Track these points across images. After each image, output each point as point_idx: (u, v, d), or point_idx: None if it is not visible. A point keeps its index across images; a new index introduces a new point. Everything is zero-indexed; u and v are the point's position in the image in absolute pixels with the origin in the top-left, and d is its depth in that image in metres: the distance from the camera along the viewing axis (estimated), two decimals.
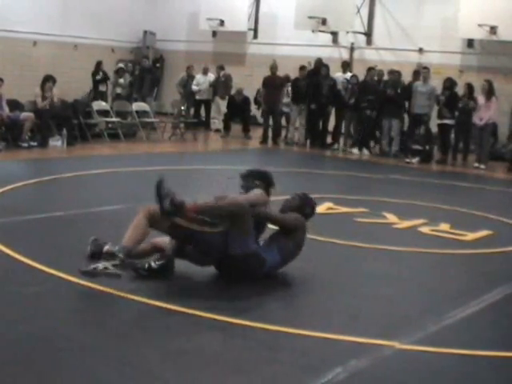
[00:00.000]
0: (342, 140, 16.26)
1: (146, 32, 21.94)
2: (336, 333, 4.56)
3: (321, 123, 16.21)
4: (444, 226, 8.11)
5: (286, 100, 16.81)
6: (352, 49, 19.33)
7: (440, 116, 14.68)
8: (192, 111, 18.65)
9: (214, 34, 21.19)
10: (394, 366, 4.23)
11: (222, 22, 20.35)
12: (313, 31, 18.46)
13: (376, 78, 15.75)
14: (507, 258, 7.11)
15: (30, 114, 13.15)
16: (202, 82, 18.47)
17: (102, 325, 4.52)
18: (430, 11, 17.95)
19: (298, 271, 5.86)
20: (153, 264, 5.43)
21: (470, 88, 14.45)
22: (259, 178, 5.91)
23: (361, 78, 15.88)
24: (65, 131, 13.43)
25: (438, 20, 17.81)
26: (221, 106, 18.46)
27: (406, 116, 15.29)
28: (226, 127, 17.65)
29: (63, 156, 12.66)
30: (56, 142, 13.32)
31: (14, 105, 13.72)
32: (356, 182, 11.91)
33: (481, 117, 14.19)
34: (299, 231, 5.73)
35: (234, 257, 5.39)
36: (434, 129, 14.95)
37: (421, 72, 15.19)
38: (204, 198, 5.61)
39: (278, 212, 5.87)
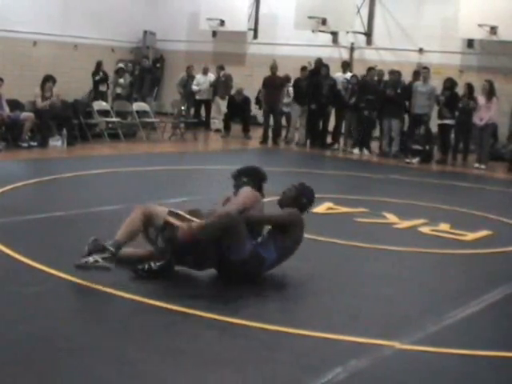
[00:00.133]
0: (342, 140, 16.26)
1: (146, 32, 21.94)
2: (336, 333, 4.56)
3: (321, 123, 16.22)
4: (444, 226, 8.11)
5: (286, 100, 16.81)
6: (352, 49, 19.33)
7: (440, 116, 14.68)
8: (192, 111, 18.65)
9: (214, 34, 21.19)
10: (394, 366, 4.23)
11: (222, 22, 20.35)
12: (313, 31, 18.46)
13: (376, 78, 15.75)
14: (507, 258, 7.11)
15: (30, 114, 13.15)
16: (202, 82, 18.47)
17: (101, 325, 4.52)
18: (430, 11, 17.96)
19: (297, 271, 5.86)
20: (153, 265, 5.44)
21: (470, 88, 14.45)
22: (247, 175, 5.91)
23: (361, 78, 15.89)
24: (65, 131, 13.43)
25: (438, 20, 17.81)
26: (221, 105, 18.47)
27: (406, 116, 15.28)
28: (226, 127, 17.65)
29: (63, 156, 12.65)
30: (56, 142, 13.32)
31: (14, 105, 13.71)
32: (356, 181, 11.91)
33: (481, 117, 14.19)
34: (296, 227, 5.62)
35: (231, 262, 5.40)
36: (434, 129, 14.95)
37: (421, 72, 15.19)
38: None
39: (272, 211, 5.81)
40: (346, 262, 6.53)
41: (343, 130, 16.25)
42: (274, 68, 16.56)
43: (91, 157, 12.73)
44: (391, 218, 8.46)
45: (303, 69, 16.43)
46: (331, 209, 8.79)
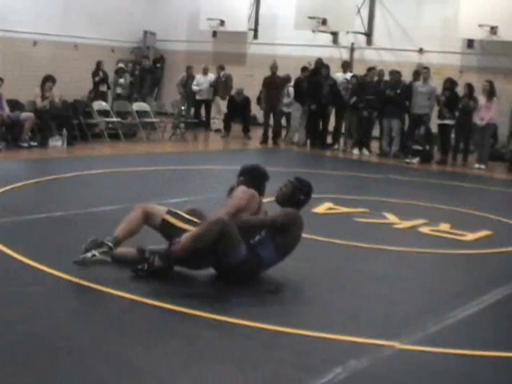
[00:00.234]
0: (342, 140, 16.25)
1: (146, 32, 21.93)
2: (336, 333, 4.55)
3: (321, 123, 16.22)
4: (444, 226, 8.11)
5: (287, 100, 16.80)
6: (352, 49, 19.32)
7: (440, 116, 14.68)
8: (192, 111, 18.67)
9: (215, 34, 21.19)
10: (394, 366, 4.23)
11: (222, 22, 20.33)
12: (313, 31, 18.45)
13: (376, 78, 15.75)
14: (507, 258, 7.11)
15: (31, 114, 13.15)
16: (202, 82, 18.48)
17: (101, 324, 4.52)
18: (430, 11, 17.94)
19: (297, 271, 5.86)
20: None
21: (470, 88, 14.44)
22: (243, 174, 5.85)
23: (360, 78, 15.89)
24: (65, 131, 13.42)
25: (438, 20, 17.80)
26: (221, 106, 18.47)
27: (406, 116, 15.28)
28: (227, 127, 17.65)
29: (63, 156, 12.65)
30: (56, 142, 13.31)
31: (14, 105, 13.71)
32: (356, 182, 11.91)
33: (482, 117, 14.18)
34: (293, 226, 5.54)
35: (228, 264, 5.39)
36: (434, 129, 14.95)
37: (421, 72, 15.18)
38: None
39: (269, 211, 5.72)
40: (346, 262, 6.52)
41: (343, 131, 16.25)
42: (274, 68, 16.55)
43: (91, 157, 12.73)
44: (391, 218, 8.46)
45: (304, 69, 16.44)
46: (331, 209, 8.79)
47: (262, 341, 4.40)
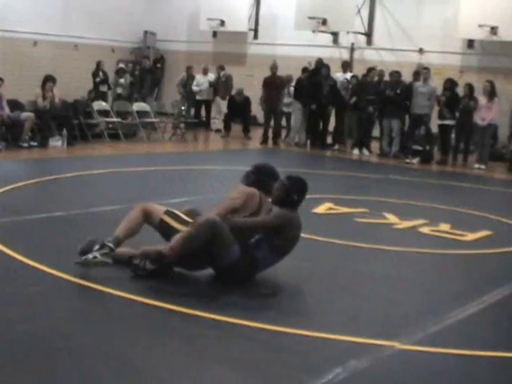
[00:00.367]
0: (346, 141, 16.23)
1: (146, 32, 21.95)
2: (336, 333, 4.55)
3: (321, 124, 16.21)
4: (444, 227, 8.11)
5: (287, 100, 16.79)
6: (352, 49, 19.32)
7: (440, 116, 14.68)
8: (192, 111, 18.67)
9: (215, 34, 21.19)
10: (394, 366, 4.22)
11: (222, 23, 20.34)
12: (313, 31, 18.46)
13: (376, 78, 15.75)
14: (507, 258, 7.11)
15: (31, 114, 13.15)
16: (201, 82, 18.48)
17: (101, 325, 4.52)
18: (431, 11, 17.94)
19: (297, 271, 5.86)
20: (148, 266, 5.43)
21: (470, 88, 14.44)
22: (253, 172, 5.80)
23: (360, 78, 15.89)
24: (65, 131, 13.42)
25: (439, 20, 17.80)
26: (221, 106, 18.47)
27: (406, 116, 15.27)
28: (227, 127, 17.64)
29: (63, 156, 12.65)
30: (56, 142, 13.31)
31: (15, 105, 13.72)
32: (356, 182, 11.91)
33: (483, 117, 14.18)
34: (288, 227, 5.44)
35: (222, 266, 5.38)
36: (435, 129, 14.94)
37: (421, 72, 15.18)
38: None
39: (261, 215, 5.58)
40: (346, 262, 6.52)
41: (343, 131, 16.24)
42: (274, 68, 16.55)
43: (91, 157, 12.73)
44: (391, 218, 8.46)
45: (304, 70, 16.43)
46: (331, 209, 8.79)
47: (262, 341, 4.40)
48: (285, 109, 16.84)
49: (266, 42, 20.43)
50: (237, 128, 17.71)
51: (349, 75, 16.29)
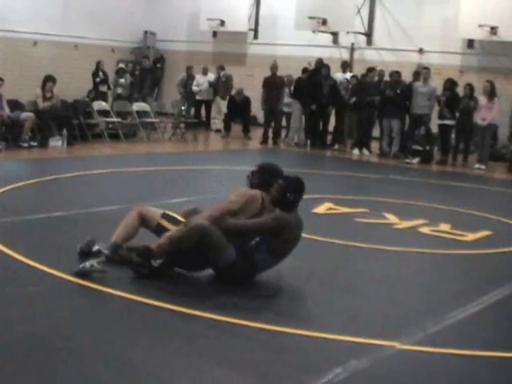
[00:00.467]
0: (347, 141, 16.23)
1: (146, 32, 21.95)
2: (336, 333, 4.55)
3: (321, 124, 16.21)
4: (444, 227, 8.11)
5: (287, 100, 16.79)
6: (352, 49, 19.32)
7: (440, 116, 14.68)
8: (192, 111, 18.66)
9: (215, 34, 21.19)
10: (394, 366, 4.23)
11: (222, 23, 20.33)
12: (313, 31, 18.46)
13: (377, 78, 15.75)
14: (507, 258, 7.11)
15: (31, 114, 13.15)
16: (201, 82, 18.48)
17: (101, 325, 4.52)
18: (431, 11, 17.94)
19: (297, 271, 5.86)
20: (153, 263, 5.43)
21: (470, 88, 14.44)
22: (258, 171, 5.76)
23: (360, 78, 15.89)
24: (65, 131, 13.42)
25: (439, 20, 17.80)
26: (221, 106, 18.47)
27: (406, 116, 15.28)
28: (227, 127, 17.64)
29: (63, 156, 12.65)
30: (56, 142, 13.31)
31: (15, 105, 13.71)
32: (356, 182, 11.91)
33: (483, 117, 14.18)
34: (285, 229, 5.39)
35: (218, 267, 5.38)
36: (435, 129, 14.94)
37: (421, 72, 15.18)
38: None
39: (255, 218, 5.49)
40: (346, 262, 6.52)
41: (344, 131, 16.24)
42: (274, 68, 16.55)
43: (91, 157, 12.73)
44: (391, 218, 8.46)
45: (304, 71, 16.42)
46: (331, 209, 8.79)
47: (262, 341, 4.40)
48: (285, 109, 16.83)
49: (266, 42, 20.43)
50: (237, 128, 17.71)
51: (349, 75, 16.29)
